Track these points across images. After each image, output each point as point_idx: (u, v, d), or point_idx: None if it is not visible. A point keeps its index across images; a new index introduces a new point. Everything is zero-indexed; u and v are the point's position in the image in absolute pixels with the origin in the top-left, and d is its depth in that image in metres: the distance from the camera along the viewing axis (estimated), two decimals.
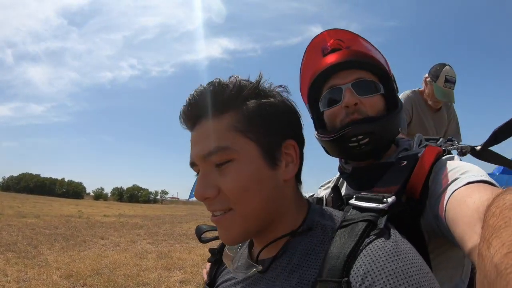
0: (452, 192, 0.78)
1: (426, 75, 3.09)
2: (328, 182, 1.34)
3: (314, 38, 1.17)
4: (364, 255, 0.63)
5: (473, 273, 1.02)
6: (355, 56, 1.07)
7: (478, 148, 1.26)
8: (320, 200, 1.22)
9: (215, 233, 0.93)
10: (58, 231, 11.12)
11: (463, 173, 0.82)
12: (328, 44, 1.13)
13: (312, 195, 1.32)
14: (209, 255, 1.06)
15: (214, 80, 0.77)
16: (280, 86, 0.83)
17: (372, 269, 0.60)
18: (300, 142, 0.83)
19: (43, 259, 6.79)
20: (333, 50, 1.11)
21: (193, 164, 0.78)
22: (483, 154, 1.14)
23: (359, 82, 1.05)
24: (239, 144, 0.73)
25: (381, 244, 0.64)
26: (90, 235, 10.93)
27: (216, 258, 1.02)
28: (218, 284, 0.91)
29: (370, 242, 0.65)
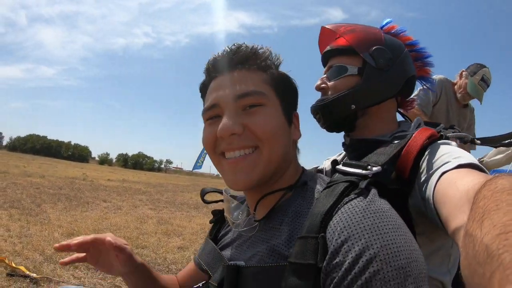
0: (442, 174, 0.80)
1: (464, 69, 3.21)
2: (338, 155, 1.42)
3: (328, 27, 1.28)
4: (342, 212, 0.66)
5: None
6: (336, 44, 1.23)
7: (478, 142, 1.34)
8: (320, 171, 1.32)
9: (219, 196, 1.04)
10: (62, 192, 11.32)
11: (455, 157, 0.84)
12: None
13: (317, 167, 1.39)
14: (208, 224, 1.14)
15: (251, 44, 0.88)
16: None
17: (348, 225, 0.63)
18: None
19: (45, 217, 6.94)
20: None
21: (213, 106, 0.84)
22: (483, 142, 1.22)
23: (330, 67, 1.23)
24: (270, 95, 0.84)
25: (359, 202, 0.67)
26: (93, 197, 11.12)
27: (217, 217, 1.10)
28: (219, 246, 0.98)
29: (349, 201, 0.69)
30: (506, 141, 1.19)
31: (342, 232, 0.62)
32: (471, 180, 0.69)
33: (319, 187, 0.83)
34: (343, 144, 1.27)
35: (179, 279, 1.22)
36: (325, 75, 1.23)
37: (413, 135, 0.96)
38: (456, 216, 0.66)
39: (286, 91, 0.90)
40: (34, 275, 3.64)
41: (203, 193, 1.16)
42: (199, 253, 1.00)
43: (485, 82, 3.08)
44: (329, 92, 1.19)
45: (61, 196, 10.24)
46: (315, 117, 1.25)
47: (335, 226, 0.64)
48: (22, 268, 3.74)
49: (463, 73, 3.19)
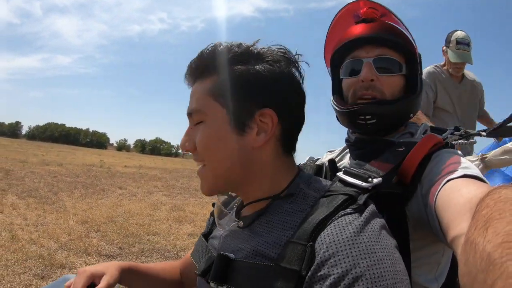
0: (447, 181, 0.80)
1: (443, 45, 3.22)
2: (335, 151, 1.37)
3: (348, 4, 1.16)
4: (334, 225, 0.67)
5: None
6: (385, 31, 1.08)
7: (484, 134, 1.30)
8: (320, 167, 1.23)
9: None
10: (79, 179, 11.70)
11: (462, 167, 0.85)
12: (361, 11, 1.12)
13: (318, 159, 1.35)
14: None
15: (207, 46, 0.84)
16: (280, 50, 0.85)
17: (338, 240, 0.64)
18: (285, 110, 0.82)
19: (62, 205, 7.24)
20: (365, 20, 1.11)
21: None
22: (488, 135, 1.19)
23: (381, 58, 1.07)
24: (209, 108, 0.81)
25: (352, 218, 0.68)
26: (109, 184, 11.47)
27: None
28: (210, 237, 1.00)
29: (344, 215, 0.69)
30: None
31: (331, 245, 0.63)
32: (475, 189, 0.71)
33: (313, 193, 0.81)
34: (347, 141, 1.23)
35: (182, 265, 1.23)
36: (369, 61, 1.06)
37: (419, 142, 0.95)
38: (457, 223, 0.67)
39: (244, 90, 0.80)
40: None
41: None
42: (192, 251, 1.02)
43: (462, 43, 3.08)
44: (379, 87, 1.06)
45: (78, 184, 10.59)
46: (359, 119, 1.08)
47: (324, 238, 0.65)
48: None
49: (443, 48, 3.22)
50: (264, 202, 0.83)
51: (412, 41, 1.12)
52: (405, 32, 1.10)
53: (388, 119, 1.07)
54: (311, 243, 0.65)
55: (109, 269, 1.05)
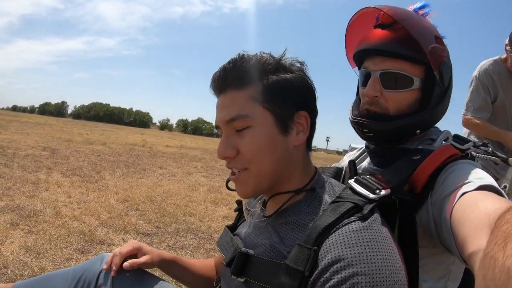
0: (463, 194, 0.83)
1: (506, 41, 2.80)
2: (358, 150, 1.43)
3: (372, 7, 1.13)
4: (338, 233, 0.75)
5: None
6: (398, 43, 1.05)
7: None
8: (340, 170, 1.32)
9: None
10: (121, 159, 12.28)
11: (477, 178, 0.87)
12: (381, 13, 1.11)
13: (338, 166, 1.36)
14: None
15: (241, 54, 0.94)
16: (300, 62, 0.99)
17: (341, 248, 0.71)
18: (313, 113, 0.99)
19: (104, 183, 7.67)
20: (381, 26, 1.10)
21: (217, 127, 0.97)
22: None
23: (388, 73, 1.06)
24: (256, 113, 0.90)
25: (356, 227, 0.75)
26: (150, 164, 11.94)
27: (240, 207, 1.26)
28: (235, 233, 1.13)
29: (349, 223, 0.76)
30: None
31: (334, 254, 0.71)
32: (492, 203, 0.72)
33: (327, 197, 0.91)
34: (367, 147, 1.27)
35: (216, 261, 1.42)
36: (376, 75, 1.08)
37: (433, 152, 0.98)
38: (474, 238, 0.68)
39: (284, 95, 0.92)
40: None
41: (227, 181, 1.20)
42: (218, 240, 1.16)
43: None
44: (383, 103, 1.08)
45: (120, 163, 11.14)
46: (357, 129, 1.14)
47: (329, 246, 0.73)
48: None
49: (507, 47, 2.82)
50: (284, 198, 0.95)
51: (436, 50, 1.04)
52: (427, 42, 1.02)
53: (384, 135, 1.10)
54: (315, 247, 0.74)
55: (153, 253, 1.27)
